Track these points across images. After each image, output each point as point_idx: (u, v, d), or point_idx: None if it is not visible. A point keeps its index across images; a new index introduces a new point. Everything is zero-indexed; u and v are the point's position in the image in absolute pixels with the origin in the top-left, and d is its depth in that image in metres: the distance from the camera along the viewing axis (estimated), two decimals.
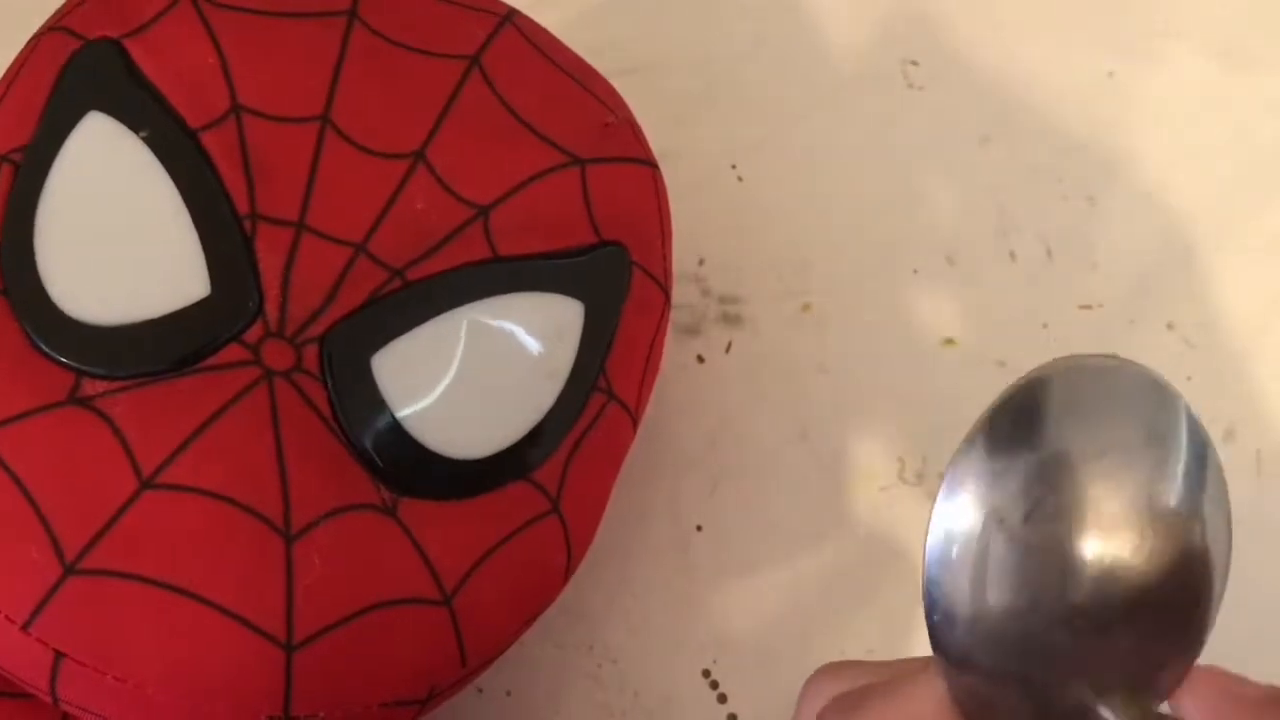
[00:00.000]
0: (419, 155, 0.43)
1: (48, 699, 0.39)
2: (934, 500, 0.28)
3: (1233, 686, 0.29)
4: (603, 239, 0.45)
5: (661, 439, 0.52)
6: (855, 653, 0.49)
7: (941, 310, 0.55)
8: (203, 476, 0.39)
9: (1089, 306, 0.55)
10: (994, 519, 0.28)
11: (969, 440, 0.28)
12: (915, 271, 0.55)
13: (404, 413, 0.41)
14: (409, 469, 0.41)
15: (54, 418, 0.39)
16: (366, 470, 0.41)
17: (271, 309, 0.41)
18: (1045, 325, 0.55)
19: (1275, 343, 0.55)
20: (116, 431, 0.39)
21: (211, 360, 0.40)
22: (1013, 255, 0.56)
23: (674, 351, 0.53)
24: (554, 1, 0.52)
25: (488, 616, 0.42)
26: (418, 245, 0.42)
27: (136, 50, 0.42)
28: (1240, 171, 0.57)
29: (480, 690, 0.49)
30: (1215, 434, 0.53)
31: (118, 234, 0.41)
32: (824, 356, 0.54)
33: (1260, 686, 0.29)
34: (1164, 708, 0.29)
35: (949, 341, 0.55)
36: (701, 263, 0.55)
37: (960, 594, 0.28)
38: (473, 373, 0.42)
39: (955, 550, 0.28)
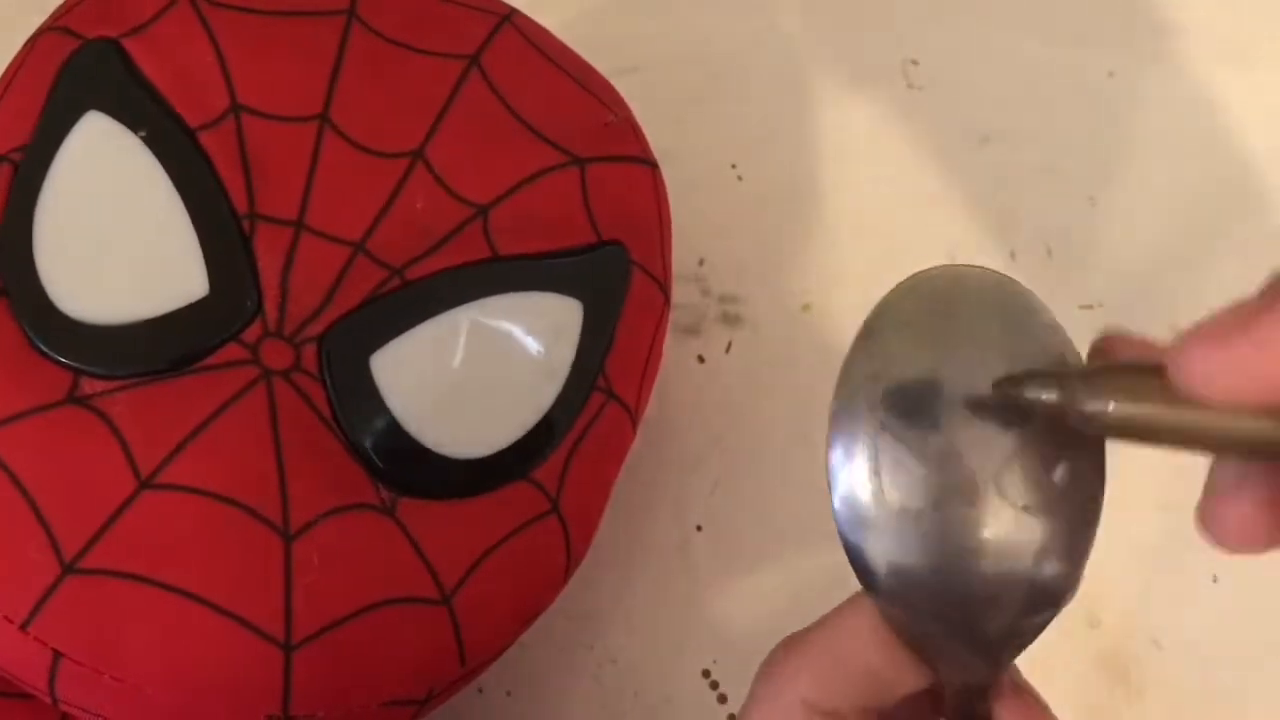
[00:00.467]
0: (418, 154, 0.43)
1: (47, 699, 0.39)
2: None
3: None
4: (602, 238, 0.45)
5: (662, 439, 0.52)
6: None
7: None
8: (201, 476, 0.39)
9: (1089, 306, 0.55)
10: (880, 427, 0.29)
11: (844, 373, 0.30)
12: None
13: (403, 412, 0.41)
14: (408, 468, 0.41)
15: (52, 417, 0.39)
16: (365, 470, 0.41)
17: (270, 308, 0.41)
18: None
19: None
20: (115, 431, 0.39)
21: (210, 360, 0.40)
22: (1013, 255, 0.56)
23: (674, 351, 0.53)
24: (554, 1, 0.52)
25: (487, 616, 0.42)
26: (417, 244, 0.42)
27: (135, 49, 0.42)
28: (1240, 171, 0.57)
29: (480, 690, 0.49)
30: None
31: (116, 234, 0.41)
32: (824, 356, 0.54)
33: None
34: None
35: None
36: (701, 263, 0.55)
37: (866, 506, 0.29)
38: (472, 372, 0.42)
39: (855, 467, 0.29)
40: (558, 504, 0.43)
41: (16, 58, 0.43)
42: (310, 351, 0.41)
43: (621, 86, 0.49)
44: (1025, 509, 0.29)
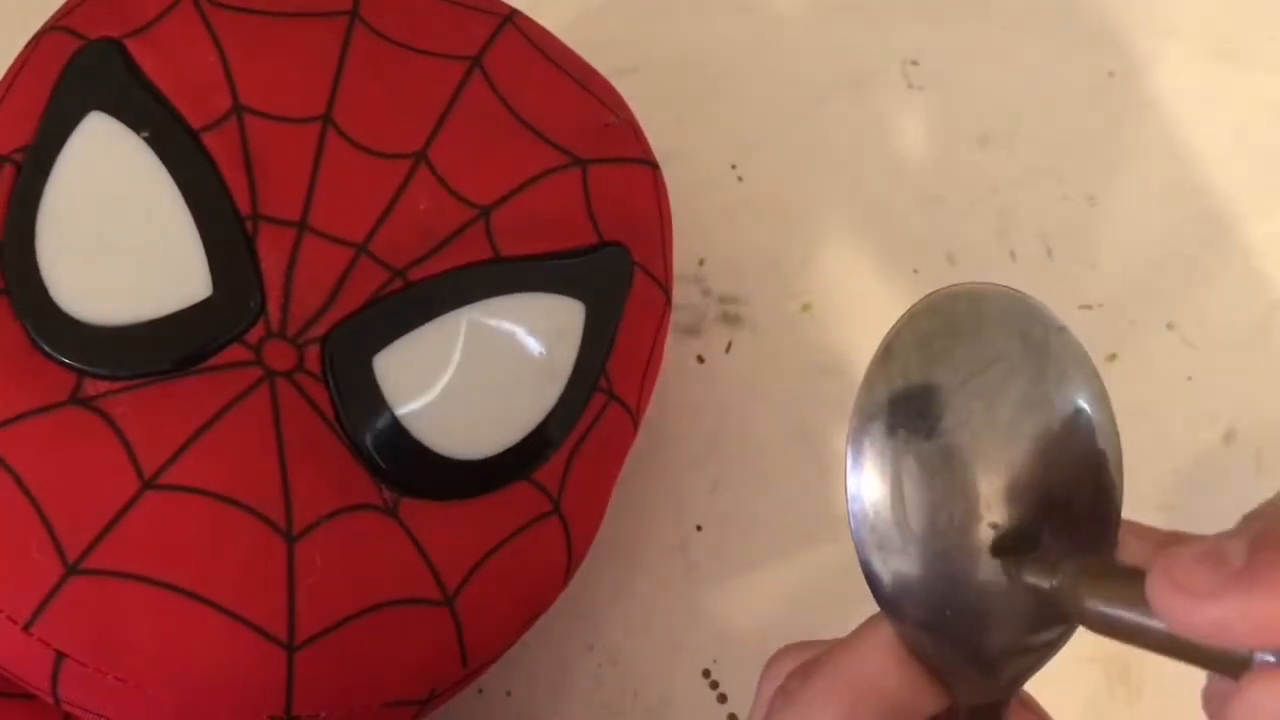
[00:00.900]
0: (421, 155, 0.43)
1: (49, 699, 0.39)
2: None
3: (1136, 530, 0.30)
4: (604, 239, 0.45)
5: (662, 439, 0.52)
6: None
7: None
8: (204, 477, 0.39)
9: (1089, 306, 0.55)
10: (901, 448, 0.29)
11: (864, 393, 0.30)
12: (915, 271, 0.55)
13: (405, 413, 0.41)
14: (410, 469, 0.41)
15: (56, 418, 0.39)
16: (368, 471, 0.41)
17: (273, 309, 0.41)
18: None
19: (1275, 343, 0.55)
20: (118, 432, 0.39)
21: (213, 361, 0.40)
22: (1013, 255, 0.56)
23: (674, 351, 0.53)
24: (554, 2, 0.52)
25: (489, 617, 0.42)
26: (419, 245, 0.42)
27: (138, 50, 0.42)
28: (1240, 171, 0.57)
29: (480, 690, 0.49)
30: (1215, 434, 0.54)
31: (119, 234, 0.41)
32: (824, 356, 0.54)
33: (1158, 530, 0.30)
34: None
35: None
36: (701, 263, 0.55)
37: (885, 528, 0.29)
38: (474, 373, 0.42)
39: (873, 487, 0.29)
40: (559, 505, 0.43)
41: (19, 58, 0.43)
42: (313, 352, 0.41)
43: (622, 87, 0.49)
44: (1035, 532, 0.30)
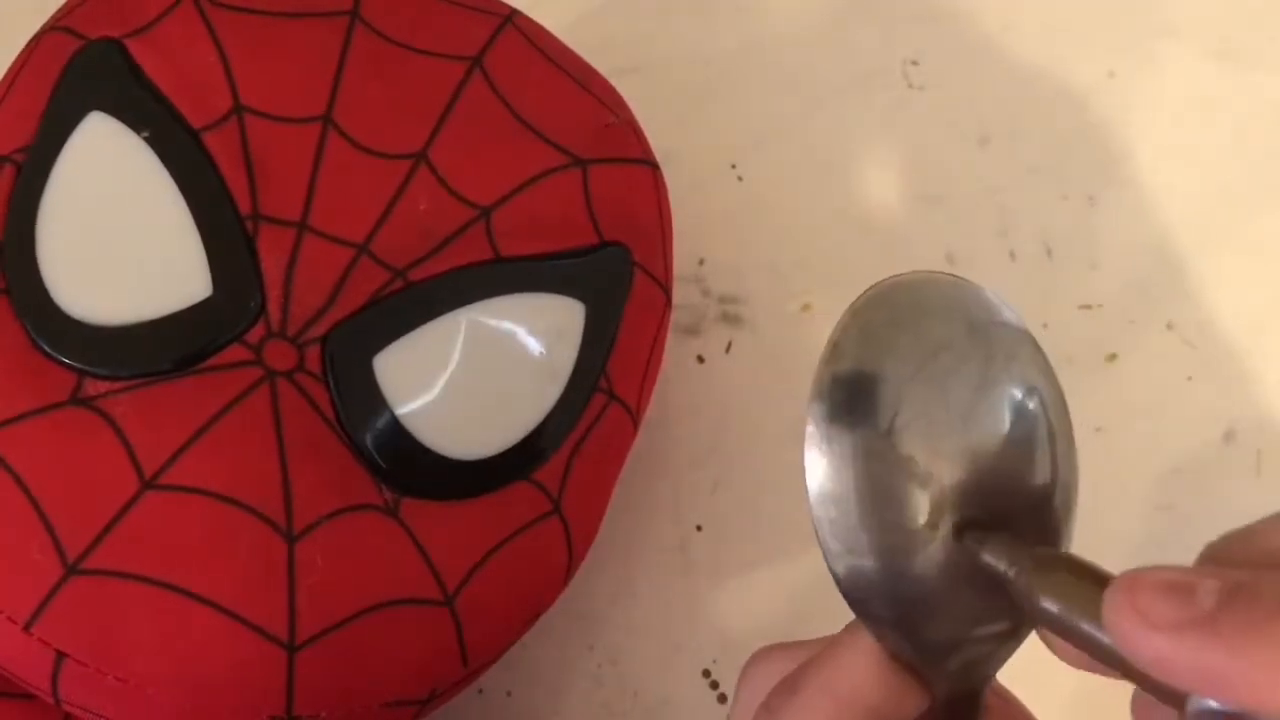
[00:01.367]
0: (421, 156, 0.43)
1: (49, 699, 0.39)
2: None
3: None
4: (604, 240, 0.45)
5: (662, 439, 0.52)
6: None
7: None
8: (205, 477, 0.39)
9: (1089, 306, 0.55)
10: (858, 445, 0.29)
11: (815, 392, 0.30)
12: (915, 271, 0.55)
13: (406, 413, 0.41)
14: (411, 469, 0.41)
15: (56, 418, 0.39)
16: (368, 471, 0.41)
17: (274, 309, 0.41)
18: (1045, 325, 0.55)
19: (1275, 343, 0.55)
20: (119, 432, 0.39)
21: (214, 361, 0.40)
22: (1013, 255, 0.56)
23: (674, 351, 0.53)
24: (554, 2, 0.52)
25: (489, 617, 0.42)
26: (420, 246, 0.42)
27: (138, 50, 0.42)
28: (1240, 171, 0.57)
29: (481, 690, 0.49)
30: (1215, 434, 0.54)
31: (120, 234, 0.41)
32: None
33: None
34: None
35: None
36: (701, 263, 0.55)
37: (848, 528, 0.29)
38: (474, 373, 0.42)
39: (834, 488, 0.29)
40: (559, 505, 0.43)
41: (19, 58, 0.43)
42: (313, 352, 0.41)
43: (622, 87, 0.49)
44: (993, 519, 0.29)
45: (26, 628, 0.38)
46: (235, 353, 0.40)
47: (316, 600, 0.39)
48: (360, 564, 0.40)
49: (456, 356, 0.42)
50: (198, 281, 0.41)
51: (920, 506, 0.29)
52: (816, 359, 0.57)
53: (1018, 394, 0.30)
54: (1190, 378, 0.55)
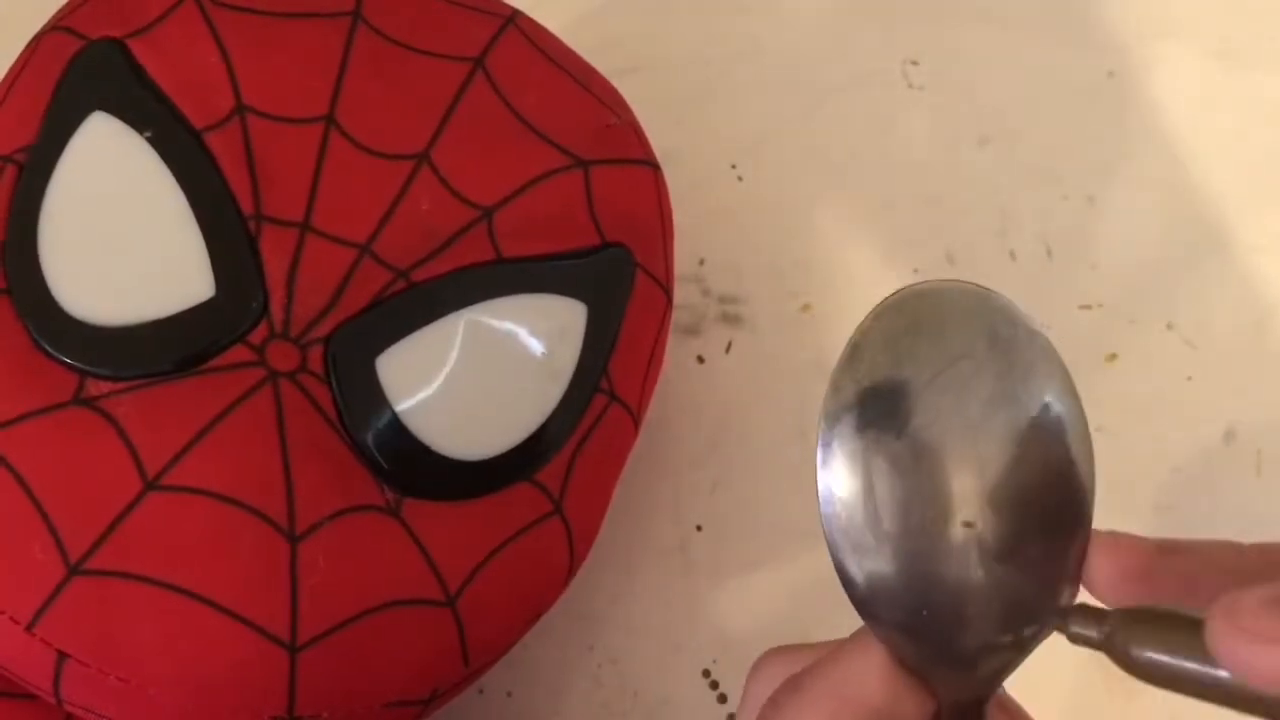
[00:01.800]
0: (423, 156, 0.43)
1: (51, 699, 0.39)
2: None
3: (1125, 543, 0.30)
4: (606, 241, 0.45)
5: (662, 439, 0.52)
6: None
7: None
8: (207, 478, 0.39)
9: (1089, 306, 0.55)
10: (871, 447, 0.29)
11: (832, 393, 0.30)
12: (915, 271, 0.55)
13: (408, 413, 0.41)
14: (413, 470, 0.41)
15: (58, 418, 0.39)
16: (371, 471, 0.41)
17: (276, 310, 0.41)
18: (1045, 325, 0.55)
19: (1275, 343, 0.55)
20: (121, 432, 0.39)
21: (216, 361, 0.40)
22: (1013, 255, 0.56)
23: (674, 351, 0.53)
24: (555, 2, 0.52)
25: (490, 617, 0.42)
26: (422, 246, 0.42)
27: (140, 50, 0.42)
28: (1240, 171, 0.57)
29: (481, 690, 0.49)
30: (1215, 434, 0.54)
31: (122, 235, 0.41)
32: (824, 356, 0.54)
33: (1148, 539, 0.30)
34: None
35: None
36: (701, 263, 0.55)
37: (857, 529, 0.29)
38: (476, 374, 0.42)
39: (844, 488, 0.30)
40: (561, 505, 0.43)
41: (20, 58, 0.43)
42: (316, 353, 0.41)
43: (622, 87, 0.49)
44: (1007, 529, 0.30)
45: (29, 628, 0.38)
46: (238, 353, 0.40)
47: (318, 601, 0.39)
48: (362, 564, 0.40)
49: (458, 357, 0.42)
50: (200, 282, 0.41)
51: (931, 513, 0.29)
52: (816, 359, 0.57)
53: (1036, 406, 0.30)
54: (1190, 378, 0.55)
